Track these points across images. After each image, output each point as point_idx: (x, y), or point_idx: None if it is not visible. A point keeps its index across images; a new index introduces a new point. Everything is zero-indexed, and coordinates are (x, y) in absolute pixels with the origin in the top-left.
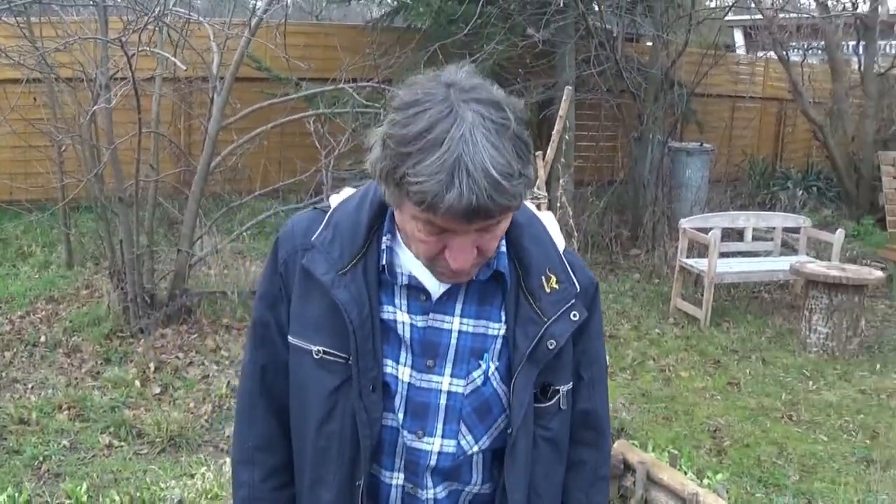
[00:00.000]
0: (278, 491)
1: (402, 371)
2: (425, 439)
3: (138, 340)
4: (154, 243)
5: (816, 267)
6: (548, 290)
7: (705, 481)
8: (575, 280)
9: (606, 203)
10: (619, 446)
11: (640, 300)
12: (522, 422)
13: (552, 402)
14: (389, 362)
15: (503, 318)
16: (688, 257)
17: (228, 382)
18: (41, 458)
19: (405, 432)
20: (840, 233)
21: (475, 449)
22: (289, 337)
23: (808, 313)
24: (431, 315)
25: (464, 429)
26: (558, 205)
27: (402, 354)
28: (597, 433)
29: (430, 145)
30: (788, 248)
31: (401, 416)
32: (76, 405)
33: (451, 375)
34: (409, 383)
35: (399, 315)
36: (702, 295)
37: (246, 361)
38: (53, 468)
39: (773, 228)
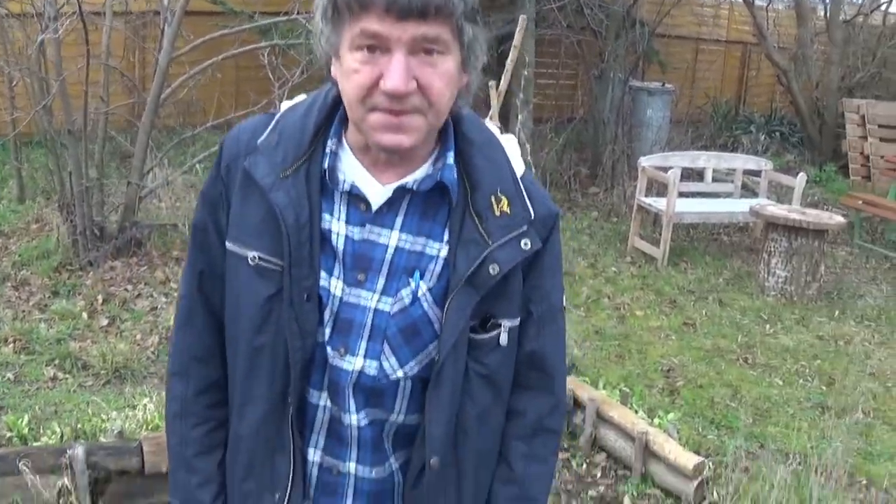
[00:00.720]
0: (211, 409)
1: (334, 284)
2: (347, 357)
3: (87, 273)
4: (104, 176)
5: (777, 209)
6: (497, 213)
7: (656, 421)
8: (530, 207)
9: (565, 140)
10: (570, 383)
11: (598, 238)
12: (452, 350)
13: (490, 334)
14: (323, 274)
15: (445, 238)
16: (647, 196)
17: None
18: None
19: (329, 349)
20: (801, 177)
21: (399, 374)
22: (226, 243)
23: (766, 256)
24: (369, 227)
25: (387, 350)
26: (516, 141)
27: (336, 267)
28: (544, 376)
29: None
30: (749, 191)
31: (327, 331)
32: (22, 338)
33: (381, 293)
34: (339, 297)
35: (335, 225)
36: (660, 234)
37: (185, 267)
38: None
39: (734, 170)
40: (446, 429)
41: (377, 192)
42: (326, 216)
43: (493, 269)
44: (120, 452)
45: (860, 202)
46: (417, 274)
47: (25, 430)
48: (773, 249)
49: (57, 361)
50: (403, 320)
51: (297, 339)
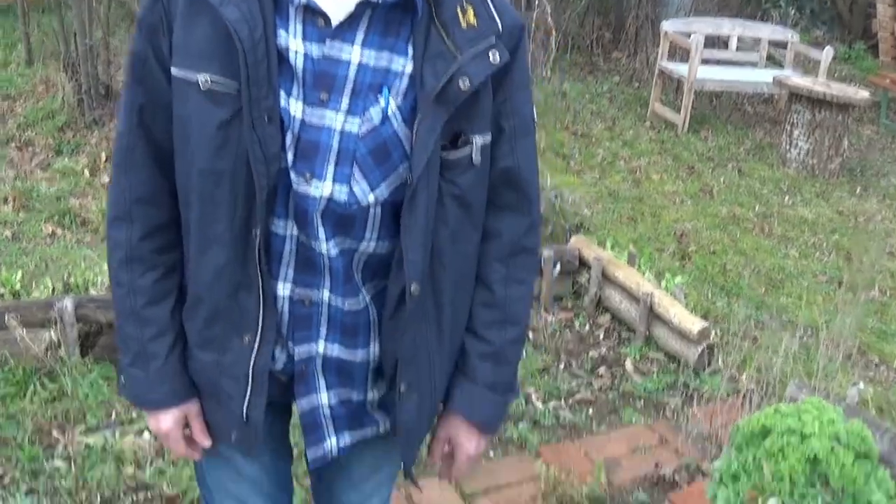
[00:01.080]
0: (160, 253)
1: (294, 105)
2: (314, 182)
3: (91, 132)
4: (110, 35)
5: (801, 80)
6: (464, 26)
7: (664, 284)
8: (497, 18)
9: (588, 4)
10: (576, 241)
11: (618, 102)
12: (425, 170)
13: (462, 151)
14: (282, 94)
15: (410, 54)
16: (669, 62)
17: None
18: None
19: (293, 174)
20: (828, 50)
21: (371, 199)
22: (172, 69)
23: (789, 127)
24: (329, 43)
25: (357, 173)
26: (536, 2)
27: (294, 87)
28: (519, 194)
29: None
30: (774, 63)
31: (290, 155)
32: (22, 196)
33: (347, 112)
34: (301, 119)
35: (292, 42)
36: (681, 101)
37: (122, 102)
38: None
39: (760, 40)
40: (423, 253)
41: (337, 5)
42: (282, 32)
43: (464, 84)
44: (109, 305)
45: (888, 81)
46: (386, 90)
47: (18, 286)
48: (795, 121)
49: (56, 218)
50: (373, 141)
51: (260, 165)
